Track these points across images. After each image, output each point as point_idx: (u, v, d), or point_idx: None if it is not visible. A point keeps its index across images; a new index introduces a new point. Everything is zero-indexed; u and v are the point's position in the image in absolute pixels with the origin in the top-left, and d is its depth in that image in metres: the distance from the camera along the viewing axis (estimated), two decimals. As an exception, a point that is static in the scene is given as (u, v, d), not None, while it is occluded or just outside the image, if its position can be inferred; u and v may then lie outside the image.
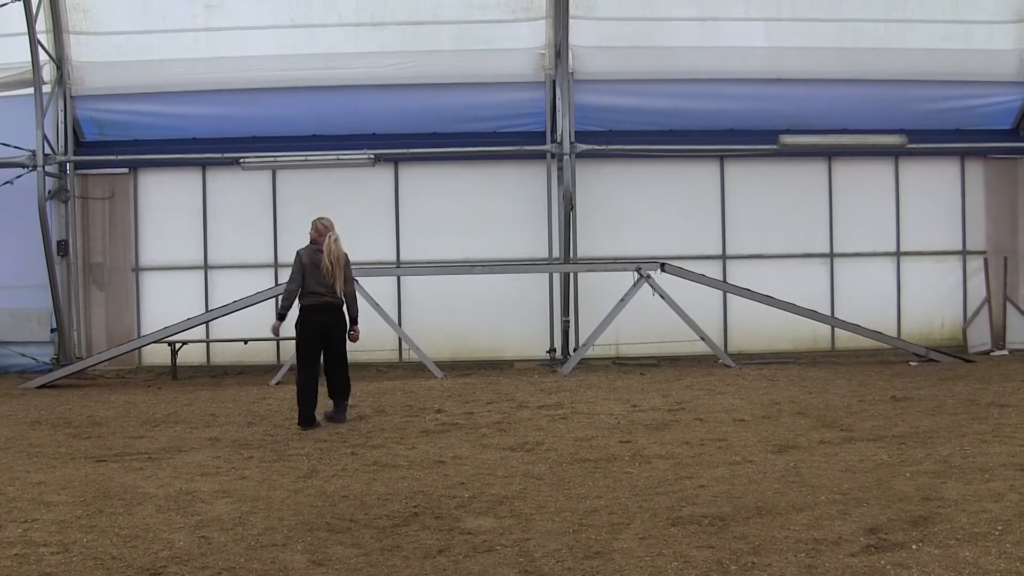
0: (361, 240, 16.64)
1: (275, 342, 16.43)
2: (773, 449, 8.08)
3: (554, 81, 16.22)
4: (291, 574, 5.08)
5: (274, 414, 10.97)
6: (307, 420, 9.88)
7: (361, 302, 14.36)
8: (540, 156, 16.47)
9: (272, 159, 15.98)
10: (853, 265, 17.20)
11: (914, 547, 5.18)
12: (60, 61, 16.27)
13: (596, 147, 16.14)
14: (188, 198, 16.97)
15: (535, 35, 16.31)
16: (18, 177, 15.91)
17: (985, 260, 17.11)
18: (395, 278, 16.56)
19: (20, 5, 15.06)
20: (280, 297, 10.66)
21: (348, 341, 10.19)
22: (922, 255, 17.27)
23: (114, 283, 16.94)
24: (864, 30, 16.50)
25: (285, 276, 16.08)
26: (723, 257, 17.02)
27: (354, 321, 10.13)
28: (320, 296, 9.89)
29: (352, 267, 10.18)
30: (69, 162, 16.54)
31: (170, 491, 6.98)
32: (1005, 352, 16.25)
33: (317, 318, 9.92)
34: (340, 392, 10.12)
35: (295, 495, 6.81)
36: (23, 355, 16.34)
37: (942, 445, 8.01)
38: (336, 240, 10.00)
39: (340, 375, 10.07)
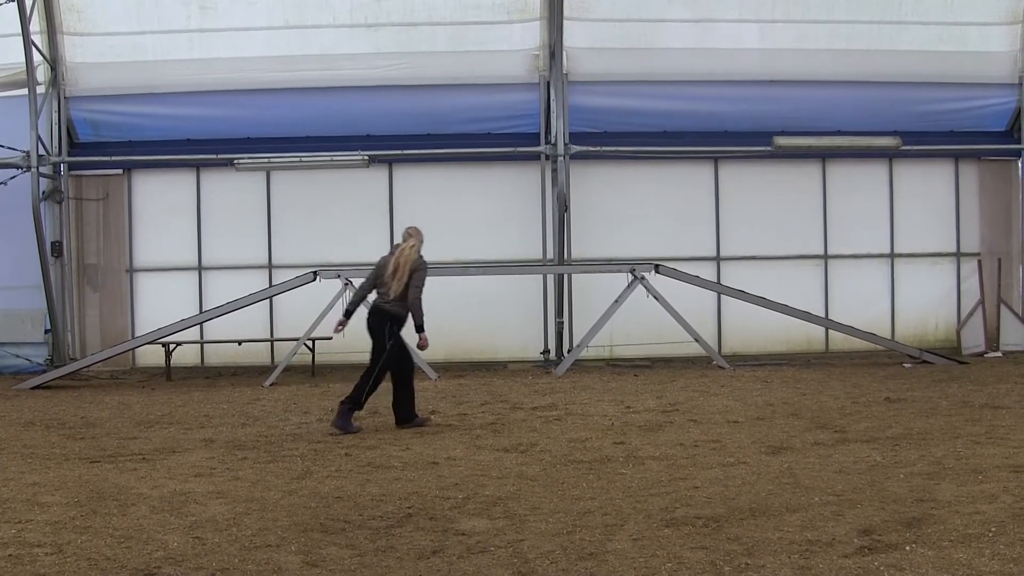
0: (355, 241, 16.71)
1: (269, 343, 16.48)
2: (767, 450, 8.09)
3: (548, 82, 16.24)
4: (285, 575, 5.08)
5: (268, 415, 10.97)
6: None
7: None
8: (534, 157, 16.48)
9: (266, 160, 15.96)
10: (847, 267, 17.22)
11: (907, 548, 5.18)
12: (54, 62, 16.26)
13: (590, 148, 16.16)
14: (182, 199, 16.95)
15: (529, 36, 16.33)
16: (12, 178, 15.89)
17: (979, 262, 17.13)
18: (389, 279, 16.54)
19: (14, 6, 15.04)
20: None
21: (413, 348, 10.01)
22: (916, 257, 17.30)
23: (108, 284, 16.92)
24: (858, 32, 16.55)
25: (279, 277, 16.28)
26: (717, 259, 17.04)
27: (419, 328, 9.86)
28: (380, 298, 9.86)
29: (424, 273, 9.90)
30: (63, 163, 16.52)
31: (164, 492, 6.97)
32: (999, 354, 16.27)
33: (368, 319, 9.87)
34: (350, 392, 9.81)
35: (289, 496, 6.81)
36: (17, 356, 16.32)
37: (936, 447, 8.03)
38: (412, 247, 9.90)
39: (361, 377, 9.79)
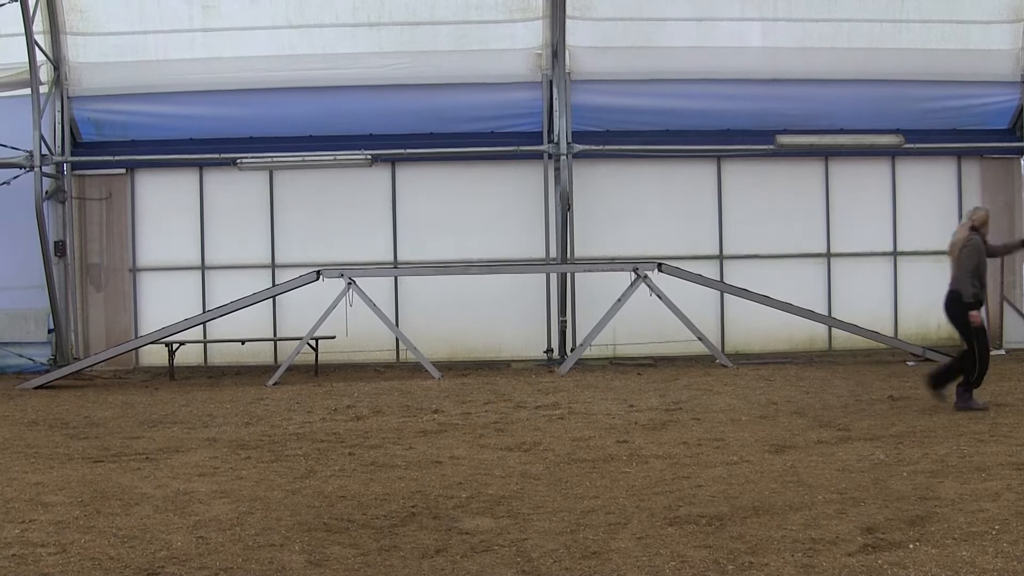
0: (358, 241, 16.73)
1: (272, 343, 16.49)
2: (770, 449, 8.09)
3: (551, 81, 16.22)
4: (289, 574, 5.09)
5: (271, 415, 10.97)
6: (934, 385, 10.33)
7: (358, 302, 14.52)
8: (537, 156, 16.47)
9: (269, 159, 15.96)
10: (850, 265, 17.20)
11: (911, 546, 5.18)
12: (57, 62, 16.27)
13: (593, 147, 16.16)
14: (185, 198, 16.95)
15: (532, 35, 16.32)
16: (15, 178, 15.89)
17: (982, 260, 17.08)
18: (392, 278, 16.56)
19: (17, 6, 15.05)
20: None
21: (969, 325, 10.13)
22: (919, 255, 17.25)
23: (111, 284, 16.93)
24: (860, 30, 16.52)
25: (282, 277, 16.29)
26: (720, 257, 17.02)
27: (967, 306, 10.12)
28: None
29: (968, 250, 10.11)
30: (66, 163, 16.53)
31: (167, 491, 6.98)
32: (1002, 351, 16.25)
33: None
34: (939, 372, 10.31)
35: (293, 495, 6.82)
36: (20, 356, 16.33)
37: (939, 444, 8.03)
38: (963, 225, 10.25)
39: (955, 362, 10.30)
